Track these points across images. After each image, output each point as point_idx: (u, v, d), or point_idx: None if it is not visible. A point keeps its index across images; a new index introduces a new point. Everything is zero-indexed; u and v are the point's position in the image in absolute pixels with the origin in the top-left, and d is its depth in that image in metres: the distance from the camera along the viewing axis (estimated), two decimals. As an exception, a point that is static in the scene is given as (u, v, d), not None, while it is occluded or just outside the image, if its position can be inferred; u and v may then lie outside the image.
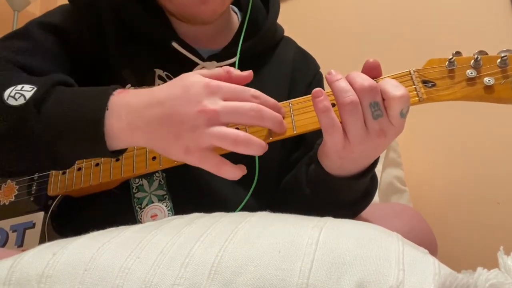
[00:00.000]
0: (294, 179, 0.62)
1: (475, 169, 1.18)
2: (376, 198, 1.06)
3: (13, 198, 0.62)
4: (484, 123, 1.18)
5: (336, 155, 0.48)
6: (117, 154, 0.50)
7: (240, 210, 0.61)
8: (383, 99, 0.44)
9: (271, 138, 0.48)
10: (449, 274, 0.31)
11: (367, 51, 1.39)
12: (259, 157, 0.62)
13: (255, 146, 0.43)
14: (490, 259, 0.34)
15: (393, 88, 0.44)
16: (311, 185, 0.57)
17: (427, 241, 0.59)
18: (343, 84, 0.44)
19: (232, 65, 0.66)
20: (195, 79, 0.45)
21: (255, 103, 0.45)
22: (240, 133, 0.43)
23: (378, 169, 1.10)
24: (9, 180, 0.63)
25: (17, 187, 0.62)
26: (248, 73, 0.49)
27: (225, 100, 0.44)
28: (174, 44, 0.64)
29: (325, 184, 0.54)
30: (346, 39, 1.45)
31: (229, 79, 0.47)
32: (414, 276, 0.31)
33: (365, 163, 0.51)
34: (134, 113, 0.46)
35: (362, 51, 1.40)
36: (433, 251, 0.60)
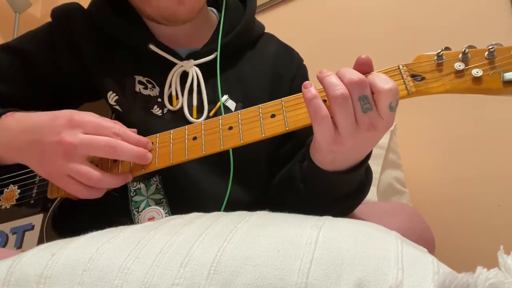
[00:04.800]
0: (288, 176, 0.63)
1: (476, 171, 1.18)
2: (375, 199, 1.07)
3: (14, 201, 0.62)
4: (484, 124, 1.18)
5: (327, 148, 0.48)
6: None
7: (230, 206, 0.62)
8: (373, 93, 0.45)
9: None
10: (449, 273, 0.31)
11: (362, 51, 1.39)
12: (248, 151, 0.62)
13: (107, 184, 0.52)
14: (490, 261, 0.34)
15: (382, 81, 0.44)
16: (305, 181, 0.58)
17: (425, 238, 0.60)
18: (333, 79, 0.45)
19: (211, 62, 0.67)
20: (65, 112, 0.52)
21: (114, 139, 0.51)
22: (93, 174, 0.51)
23: (377, 170, 1.11)
24: (11, 185, 0.64)
25: (19, 191, 0.63)
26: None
27: (87, 134, 0.51)
28: (151, 46, 0.66)
29: (319, 180, 0.55)
30: (339, 38, 1.46)
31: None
32: (413, 275, 0.31)
33: (357, 158, 0.51)
34: (11, 137, 0.54)
35: (356, 50, 1.39)
36: (431, 248, 0.60)
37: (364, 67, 0.48)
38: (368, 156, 0.53)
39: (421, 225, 0.62)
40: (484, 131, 1.18)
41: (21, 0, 1.84)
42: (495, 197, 1.14)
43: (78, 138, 0.50)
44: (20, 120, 0.55)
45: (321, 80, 0.46)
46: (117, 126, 0.53)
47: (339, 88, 0.44)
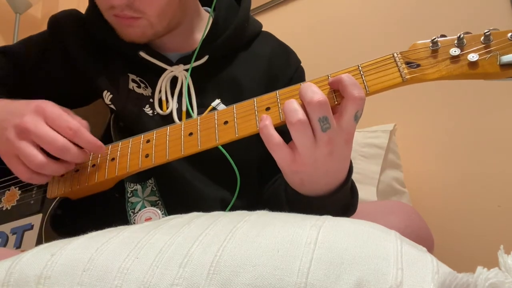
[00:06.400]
0: (275, 196, 0.62)
1: (476, 171, 1.18)
2: (374, 199, 1.06)
3: (15, 202, 0.62)
4: (484, 125, 1.18)
5: (289, 169, 0.48)
6: None
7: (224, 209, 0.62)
8: (343, 97, 0.45)
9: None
10: (449, 273, 0.31)
11: (361, 49, 1.39)
12: (237, 156, 0.63)
13: (49, 171, 0.53)
14: (490, 261, 0.34)
15: (354, 87, 0.44)
16: (289, 204, 0.56)
17: (424, 237, 0.60)
18: (291, 104, 0.45)
19: (201, 66, 0.67)
20: (37, 100, 0.54)
21: (64, 136, 0.52)
22: (37, 157, 0.51)
23: (376, 171, 1.11)
24: (12, 186, 0.64)
25: (20, 192, 0.63)
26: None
27: (48, 124, 0.52)
28: (141, 53, 0.66)
29: (301, 203, 0.53)
30: (338, 35, 1.46)
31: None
32: (413, 275, 0.30)
33: (330, 178, 0.50)
34: None
35: (356, 47, 1.40)
36: (429, 246, 0.59)
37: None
38: (347, 179, 0.52)
39: (419, 223, 0.62)
40: (484, 131, 1.18)
41: (22, 0, 1.84)
42: (495, 197, 1.14)
43: (35, 125, 0.52)
44: (1, 105, 0.57)
45: (283, 105, 0.46)
46: (77, 123, 0.53)
47: (297, 115, 0.44)
